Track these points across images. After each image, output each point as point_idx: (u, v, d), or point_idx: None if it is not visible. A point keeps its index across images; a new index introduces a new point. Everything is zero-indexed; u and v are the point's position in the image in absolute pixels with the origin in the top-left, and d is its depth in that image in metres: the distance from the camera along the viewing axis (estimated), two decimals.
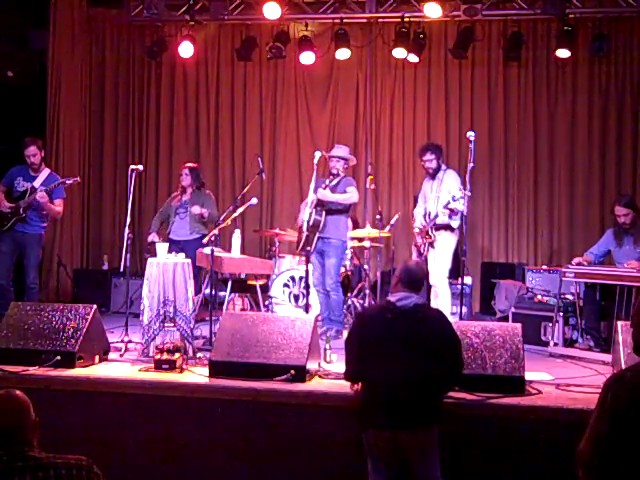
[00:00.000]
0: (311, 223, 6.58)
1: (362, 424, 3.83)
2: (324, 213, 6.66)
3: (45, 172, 6.98)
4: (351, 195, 6.79)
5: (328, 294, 6.78)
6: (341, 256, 6.93)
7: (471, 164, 5.82)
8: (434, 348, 3.74)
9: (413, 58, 8.71)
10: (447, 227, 6.69)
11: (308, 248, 6.33)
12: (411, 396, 3.66)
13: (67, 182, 6.95)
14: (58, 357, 4.77)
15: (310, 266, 6.49)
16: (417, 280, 3.96)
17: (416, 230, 6.98)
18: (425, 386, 3.70)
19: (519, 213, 9.14)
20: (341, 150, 7.05)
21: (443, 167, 6.89)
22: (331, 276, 6.70)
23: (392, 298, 3.88)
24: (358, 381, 4.17)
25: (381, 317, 3.84)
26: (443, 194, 6.68)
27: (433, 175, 6.86)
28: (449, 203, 6.39)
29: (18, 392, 2.51)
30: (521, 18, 8.71)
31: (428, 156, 6.85)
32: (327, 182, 6.84)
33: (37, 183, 6.87)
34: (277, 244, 8.01)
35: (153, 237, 7.18)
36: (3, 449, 2.36)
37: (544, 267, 7.95)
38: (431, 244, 6.75)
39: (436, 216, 6.66)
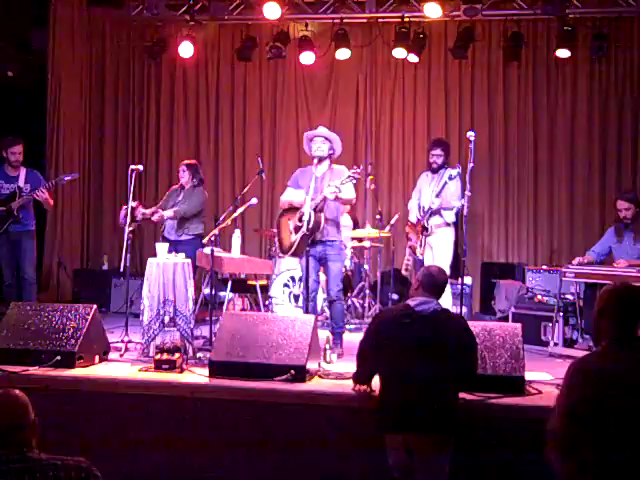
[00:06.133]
0: (311, 225, 5.86)
1: (379, 428, 3.80)
2: (322, 214, 5.99)
3: (22, 169, 6.91)
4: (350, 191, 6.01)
5: (326, 303, 6.35)
6: (343, 259, 6.47)
7: (471, 164, 5.82)
8: (450, 352, 3.70)
9: (413, 58, 8.73)
10: (443, 223, 6.70)
11: (307, 249, 6.11)
12: (424, 398, 3.62)
13: (65, 179, 7.00)
14: (58, 357, 4.76)
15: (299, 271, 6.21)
16: (438, 285, 3.89)
17: (410, 222, 6.95)
18: (439, 389, 3.67)
19: (519, 213, 9.15)
20: (325, 130, 6.23)
21: (446, 167, 6.86)
22: (337, 282, 6.03)
23: (411, 302, 3.81)
24: (366, 383, 4.17)
25: (398, 321, 3.77)
26: (446, 191, 6.70)
27: (435, 170, 6.87)
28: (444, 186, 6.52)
29: (17, 392, 2.50)
30: (521, 18, 8.73)
31: (438, 151, 6.86)
32: (318, 172, 6.04)
33: (21, 182, 6.83)
34: (277, 244, 8.00)
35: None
36: (2, 450, 2.34)
37: (544, 267, 7.94)
38: (428, 236, 6.72)
39: (430, 207, 6.67)
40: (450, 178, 6.49)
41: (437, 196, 6.64)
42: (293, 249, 6.03)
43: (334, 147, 6.10)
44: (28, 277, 6.85)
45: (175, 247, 6.25)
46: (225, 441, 4.44)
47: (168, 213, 6.96)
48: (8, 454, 2.34)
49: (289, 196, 6.18)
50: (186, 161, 7.42)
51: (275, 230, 6.56)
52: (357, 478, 4.31)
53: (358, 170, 5.87)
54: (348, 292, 7.71)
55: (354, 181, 5.89)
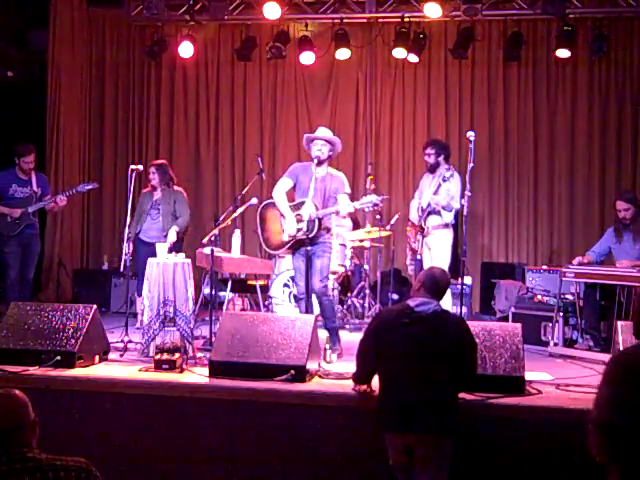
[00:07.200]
0: (314, 231, 5.78)
1: (379, 428, 3.80)
2: (317, 219, 5.81)
3: (32, 173, 7.06)
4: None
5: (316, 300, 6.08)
6: (328, 255, 6.16)
7: (471, 164, 5.81)
8: (449, 353, 3.70)
9: (413, 58, 8.73)
10: (441, 224, 6.69)
11: (308, 248, 6.03)
12: (424, 399, 3.63)
13: (86, 188, 7.14)
14: (58, 357, 4.76)
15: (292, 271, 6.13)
16: (440, 287, 3.91)
17: (411, 222, 6.95)
18: (439, 390, 3.67)
19: (519, 213, 9.15)
20: (326, 131, 6.15)
21: (445, 166, 6.85)
22: (320, 278, 5.86)
23: (411, 303, 3.82)
24: (366, 383, 4.17)
25: (398, 321, 3.78)
26: (441, 192, 6.69)
27: (432, 170, 6.88)
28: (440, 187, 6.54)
29: (17, 391, 2.50)
30: (521, 18, 8.73)
31: (428, 150, 6.91)
32: (316, 173, 5.87)
33: (35, 186, 7.00)
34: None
35: (128, 248, 6.20)
36: (1, 450, 2.34)
37: (544, 267, 7.94)
38: (425, 237, 6.72)
39: (428, 205, 6.66)
40: (443, 180, 6.50)
41: (434, 194, 6.66)
42: (285, 249, 5.97)
43: (335, 149, 6.06)
44: (29, 277, 7.01)
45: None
46: (225, 441, 4.44)
47: (172, 237, 6.76)
48: (8, 454, 2.33)
49: (281, 197, 6.02)
50: (155, 162, 7.35)
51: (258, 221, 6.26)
52: (357, 478, 4.31)
53: (381, 205, 6.08)
54: (348, 292, 7.70)
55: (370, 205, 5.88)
